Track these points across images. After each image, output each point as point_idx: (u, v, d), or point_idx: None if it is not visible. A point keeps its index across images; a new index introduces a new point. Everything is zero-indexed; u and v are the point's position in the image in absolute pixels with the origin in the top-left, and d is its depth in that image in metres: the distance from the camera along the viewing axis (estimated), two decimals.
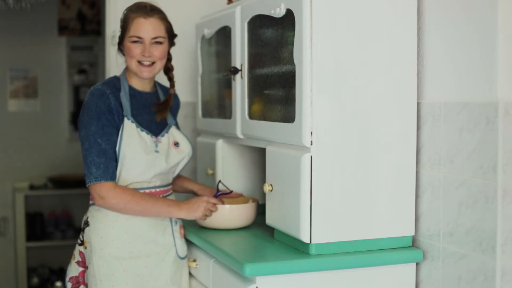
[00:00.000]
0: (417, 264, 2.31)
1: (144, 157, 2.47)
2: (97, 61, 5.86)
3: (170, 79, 2.70)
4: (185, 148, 2.64)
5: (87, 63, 5.94)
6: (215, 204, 2.56)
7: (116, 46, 2.66)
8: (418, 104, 2.31)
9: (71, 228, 5.71)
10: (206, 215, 2.55)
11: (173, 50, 2.72)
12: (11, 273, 5.63)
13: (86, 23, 5.86)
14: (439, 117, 2.20)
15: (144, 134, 2.52)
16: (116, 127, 2.47)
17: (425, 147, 2.28)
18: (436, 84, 2.23)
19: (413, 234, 2.31)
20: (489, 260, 1.98)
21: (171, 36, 2.60)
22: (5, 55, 5.69)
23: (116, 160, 2.46)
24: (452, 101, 2.14)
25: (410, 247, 2.31)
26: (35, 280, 5.50)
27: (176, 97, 2.77)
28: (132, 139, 2.47)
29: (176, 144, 2.62)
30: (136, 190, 2.48)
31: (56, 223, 5.74)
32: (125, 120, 2.49)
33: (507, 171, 1.94)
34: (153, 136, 2.55)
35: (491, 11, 1.97)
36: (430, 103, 2.25)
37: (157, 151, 2.52)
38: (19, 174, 5.72)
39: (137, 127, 2.51)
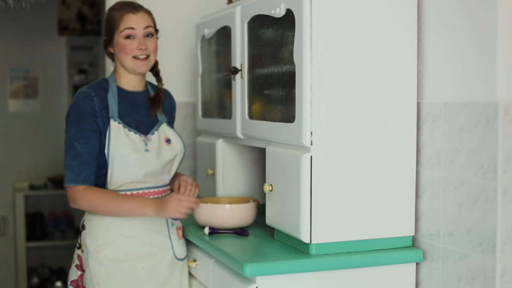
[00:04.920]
0: (417, 264, 2.31)
1: (134, 157, 2.46)
2: (97, 61, 5.86)
3: (157, 73, 2.68)
4: (177, 145, 2.61)
5: (87, 63, 5.94)
6: (190, 200, 2.42)
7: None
8: (418, 104, 2.31)
9: (71, 228, 5.71)
10: (186, 213, 2.41)
11: (173, 50, 2.73)
12: (11, 273, 5.63)
13: (86, 23, 5.85)
14: (439, 117, 2.20)
15: (132, 134, 2.50)
16: (97, 131, 2.46)
17: (425, 147, 2.28)
18: (436, 84, 2.23)
19: (413, 234, 2.31)
20: (489, 260, 1.98)
21: (156, 31, 2.61)
22: (5, 55, 5.70)
23: (94, 165, 2.45)
24: (452, 101, 2.14)
25: (410, 247, 2.31)
26: (35, 280, 5.50)
27: (169, 97, 2.75)
28: (120, 140, 2.46)
29: (168, 140, 2.59)
30: (107, 191, 2.45)
31: (56, 223, 5.74)
32: (112, 121, 2.48)
33: (507, 171, 1.94)
34: (142, 135, 2.52)
35: (491, 11, 1.97)
36: (430, 103, 2.25)
37: (147, 150, 2.50)
38: (19, 174, 5.72)
39: (124, 127, 2.50)
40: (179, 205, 2.40)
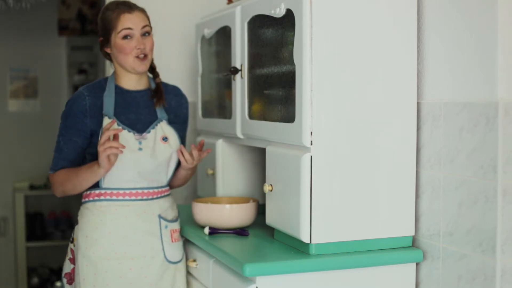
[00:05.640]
0: (417, 264, 2.31)
1: (126, 155, 2.46)
2: (97, 61, 5.86)
3: (153, 69, 2.67)
4: (174, 143, 2.59)
5: (87, 63, 5.94)
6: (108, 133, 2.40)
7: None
8: (418, 104, 2.31)
9: (71, 228, 5.71)
10: (114, 153, 2.38)
11: (173, 50, 2.72)
12: (11, 273, 5.63)
13: (86, 23, 5.85)
14: (439, 117, 2.20)
15: (125, 132, 2.50)
16: (82, 130, 2.50)
17: (425, 147, 2.28)
18: (436, 84, 2.23)
19: (413, 234, 2.31)
20: (489, 260, 1.98)
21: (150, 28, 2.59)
22: (5, 55, 5.70)
23: (72, 159, 2.53)
24: (452, 101, 2.14)
25: (410, 247, 2.31)
26: (35, 280, 5.51)
27: (178, 95, 2.72)
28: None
29: (165, 139, 2.57)
30: (68, 168, 2.53)
31: (56, 223, 5.75)
32: (106, 119, 2.49)
33: (507, 171, 1.94)
34: (136, 134, 2.52)
35: (491, 11, 1.97)
36: (430, 103, 2.25)
37: (140, 149, 2.51)
38: (19, 174, 5.72)
39: (118, 125, 2.50)
40: (103, 150, 2.36)
